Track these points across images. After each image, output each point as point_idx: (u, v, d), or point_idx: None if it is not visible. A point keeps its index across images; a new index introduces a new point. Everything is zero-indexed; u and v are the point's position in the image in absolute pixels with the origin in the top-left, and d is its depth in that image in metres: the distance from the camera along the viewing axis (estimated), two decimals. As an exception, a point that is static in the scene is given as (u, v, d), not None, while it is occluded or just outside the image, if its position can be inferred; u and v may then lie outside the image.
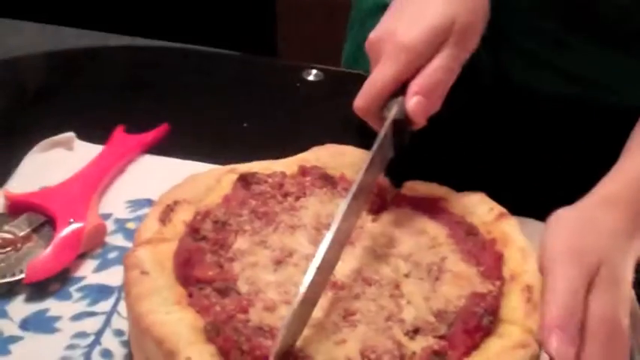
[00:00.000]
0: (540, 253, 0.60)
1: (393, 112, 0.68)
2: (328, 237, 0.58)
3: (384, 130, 0.67)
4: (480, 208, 0.69)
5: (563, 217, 0.62)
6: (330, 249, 0.57)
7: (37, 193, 0.78)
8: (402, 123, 0.68)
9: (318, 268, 0.56)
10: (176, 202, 0.67)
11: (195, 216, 0.66)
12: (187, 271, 0.61)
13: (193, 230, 0.64)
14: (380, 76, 0.69)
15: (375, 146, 0.66)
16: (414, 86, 0.68)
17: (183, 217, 0.66)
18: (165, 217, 0.66)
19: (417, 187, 0.73)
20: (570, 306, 0.55)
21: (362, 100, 0.69)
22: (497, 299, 0.60)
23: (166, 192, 0.69)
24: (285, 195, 0.69)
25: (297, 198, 0.69)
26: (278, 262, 0.62)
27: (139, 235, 0.65)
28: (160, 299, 0.59)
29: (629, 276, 0.59)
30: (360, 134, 0.77)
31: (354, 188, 0.61)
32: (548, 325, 0.55)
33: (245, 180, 0.70)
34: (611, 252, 0.59)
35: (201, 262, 0.61)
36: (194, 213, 0.66)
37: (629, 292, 0.58)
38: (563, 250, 0.58)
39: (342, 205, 0.60)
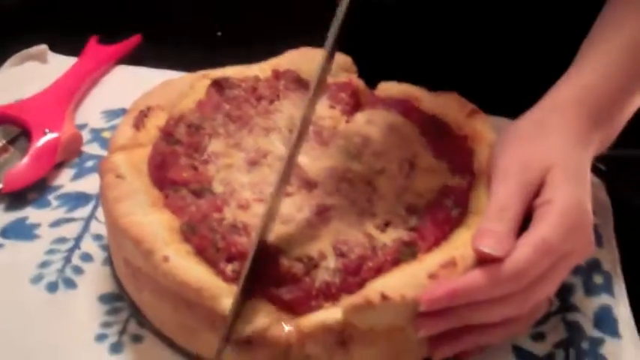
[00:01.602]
0: (489, 164, 0.61)
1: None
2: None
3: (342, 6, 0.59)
4: (452, 106, 0.69)
5: (515, 127, 0.62)
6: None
7: (11, 106, 0.78)
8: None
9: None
10: (149, 108, 0.67)
11: (168, 121, 0.66)
12: (162, 174, 0.62)
13: (167, 134, 0.65)
14: None
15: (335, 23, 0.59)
16: None
17: (156, 122, 0.67)
18: (139, 123, 0.66)
19: (390, 88, 0.73)
20: (503, 213, 0.56)
21: None
22: (466, 192, 0.61)
23: (139, 98, 0.69)
24: (259, 99, 0.70)
25: (271, 101, 0.70)
26: (252, 164, 0.63)
27: (114, 142, 0.66)
28: (136, 202, 0.59)
29: (586, 169, 0.60)
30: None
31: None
32: (479, 231, 0.56)
33: (218, 85, 0.70)
34: (564, 152, 0.59)
35: (175, 165, 0.62)
36: (167, 118, 0.67)
37: (589, 182, 0.59)
38: (507, 163, 0.59)
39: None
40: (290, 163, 0.58)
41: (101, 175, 0.62)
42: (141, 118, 0.67)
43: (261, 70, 0.74)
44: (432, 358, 0.58)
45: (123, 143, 0.65)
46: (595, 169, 0.62)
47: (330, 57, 0.60)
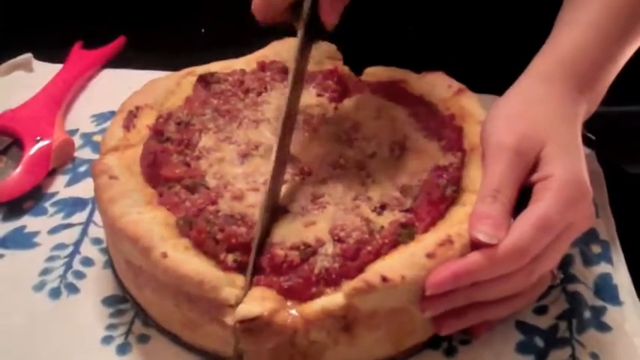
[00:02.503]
0: (481, 141, 0.61)
1: (304, 16, 0.62)
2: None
3: (300, 34, 0.63)
4: (438, 86, 0.70)
5: (504, 102, 0.62)
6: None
7: (0, 116, 0.78)
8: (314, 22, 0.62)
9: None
10: (138, 108, 0.68)
11: (158, 119, 0.66)
12: (155, 172, 0.62)
13: (157, 132, 0.65)
14: None
15: (296, 48, 0.62)
16: None
17: (146, 121, 0.67)
18: (128, 124, 0.67)
19: (376, 73, 0.73)
20: (497, 194, 0.56)
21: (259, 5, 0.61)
22: (458, 170, 0.61)
23: (127, 99, 0.69)
24: (247, 91, 0.70)
25: (259, 93, 0.70)
26: (244, 156, 0.63)
27: (105, 144, 0.66)
28: (130, 201, 0.60)
29: (579, 140, 0.60)
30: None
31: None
32: (475, 215, 0.56)
33: (205, 80, 0.70)
34: (555, 126, 0.59)
35: (167, 162, 0.62)
36: (157, 116, 0.67)
37: (583, 154, 0.59)
38: (499, 141, 0.58)
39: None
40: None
41: (94, 177, 0.62)
42: (130, 119, 0.67)
43: (246, 63, 0.74)
44: (439, 334, 0.58)
45: (114, 144, 0.65)
46: (585, 139, 0.62)
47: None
